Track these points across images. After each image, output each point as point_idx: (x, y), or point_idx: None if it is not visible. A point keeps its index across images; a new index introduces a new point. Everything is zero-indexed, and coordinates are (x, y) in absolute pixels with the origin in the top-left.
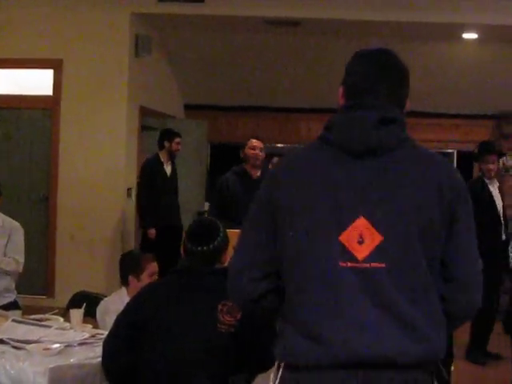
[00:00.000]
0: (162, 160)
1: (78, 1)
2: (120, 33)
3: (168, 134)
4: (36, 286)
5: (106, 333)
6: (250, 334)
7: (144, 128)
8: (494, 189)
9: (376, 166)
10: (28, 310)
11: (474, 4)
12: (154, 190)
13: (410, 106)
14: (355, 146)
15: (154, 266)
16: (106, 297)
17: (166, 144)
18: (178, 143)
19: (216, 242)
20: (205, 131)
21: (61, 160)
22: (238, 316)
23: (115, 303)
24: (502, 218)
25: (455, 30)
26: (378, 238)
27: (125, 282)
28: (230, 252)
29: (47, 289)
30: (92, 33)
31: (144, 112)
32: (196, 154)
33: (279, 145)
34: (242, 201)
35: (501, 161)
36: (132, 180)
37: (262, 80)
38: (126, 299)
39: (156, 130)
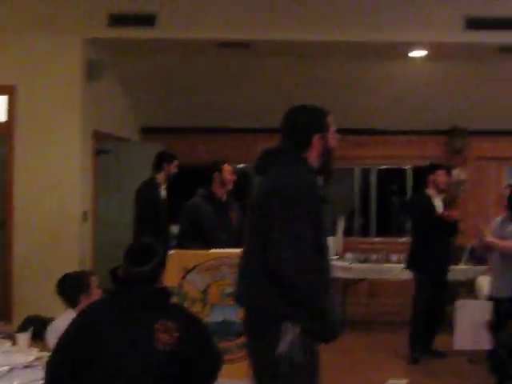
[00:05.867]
0: (159, 182)
1: (30, 27)
2: (72, 58)
3: (167, 157)
4: None
5: None
6: (189, 351)
7: (99, 152)
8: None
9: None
10: None
11: (422, 22)
12: (153, 213)
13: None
14: None
15: (95, 280)
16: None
17: (166, 166)
18: (176, 166)
19: (155, 263)
20: None
21: (16, 185)
22: (176, 334)
23: (64, 324)
24: None
25: (403, 48)
26: None
27: (75, 303)
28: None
29: (5, 314)
30: (44, 59)
31: (98, 136)
32: None
33: (239, 165)
34: (213, 223)
35: (454, 174)
36: (88, 204)
37: (217, 101)
38: None
39: (111, 153)
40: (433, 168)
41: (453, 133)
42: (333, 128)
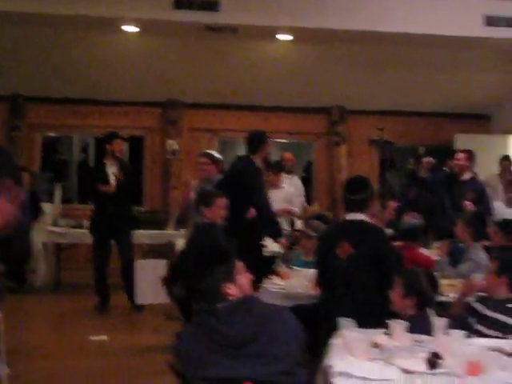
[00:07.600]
0: None
1: None
2: None
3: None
4: None
5: None
6: None
7: None
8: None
9: None
10: None
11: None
12: None
13: None
14: None
15: None
16: None
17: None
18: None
19: None
20: None
21: None
22: None
23: None
24: None
25: (115, 22)
26: None
27: None
28: None
29: None
30: None
31: None
32: None
33: None
34: None
35: (168, 144)
36: None
37: None
38: None
39: None
40: (110, 137)
41: (167, 105)
42: None
